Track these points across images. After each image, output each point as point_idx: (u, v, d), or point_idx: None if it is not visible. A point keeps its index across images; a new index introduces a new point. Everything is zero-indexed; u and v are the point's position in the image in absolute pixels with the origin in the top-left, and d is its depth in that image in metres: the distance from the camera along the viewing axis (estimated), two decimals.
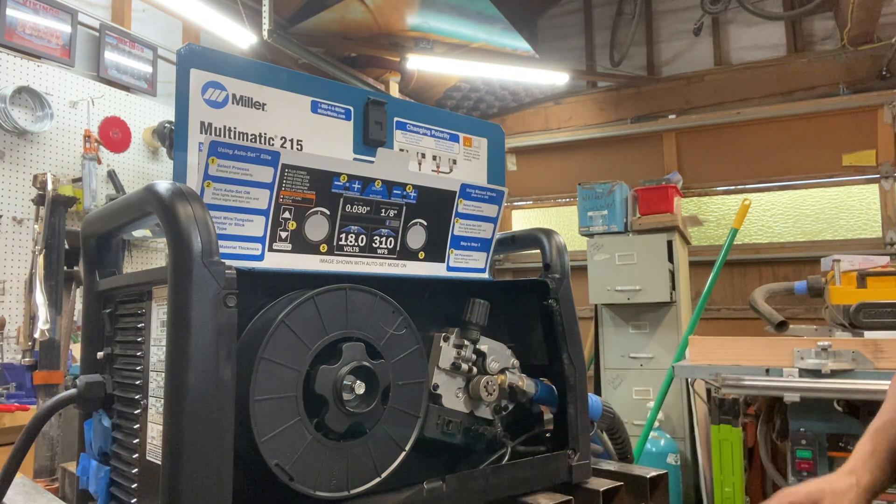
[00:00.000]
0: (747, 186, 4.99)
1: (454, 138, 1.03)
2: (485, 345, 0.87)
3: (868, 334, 2.31)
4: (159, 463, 0.62)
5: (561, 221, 5.57)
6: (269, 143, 0.83)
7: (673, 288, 3.72)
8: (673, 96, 5.24)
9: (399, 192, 0.85)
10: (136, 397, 0.70)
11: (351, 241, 0.83)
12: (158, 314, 0.68)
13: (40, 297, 1.67)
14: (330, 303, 0.71)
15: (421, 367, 0.79)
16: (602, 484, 0.88)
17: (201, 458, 0.59)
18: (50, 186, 1.75)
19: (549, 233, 0.99)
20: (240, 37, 3.73)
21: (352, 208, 0.81)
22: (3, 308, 2.91)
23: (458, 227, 0.93)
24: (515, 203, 5.78)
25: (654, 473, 0.91)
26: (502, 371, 0.87)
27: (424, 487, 0.75)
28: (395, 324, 0.77)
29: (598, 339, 3.93)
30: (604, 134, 5.43)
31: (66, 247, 1.75)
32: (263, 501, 0.69)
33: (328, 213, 0.80)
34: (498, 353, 0.87)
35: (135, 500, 0.69)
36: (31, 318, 1.68)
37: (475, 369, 0.85)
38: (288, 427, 0.67)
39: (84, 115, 3.30)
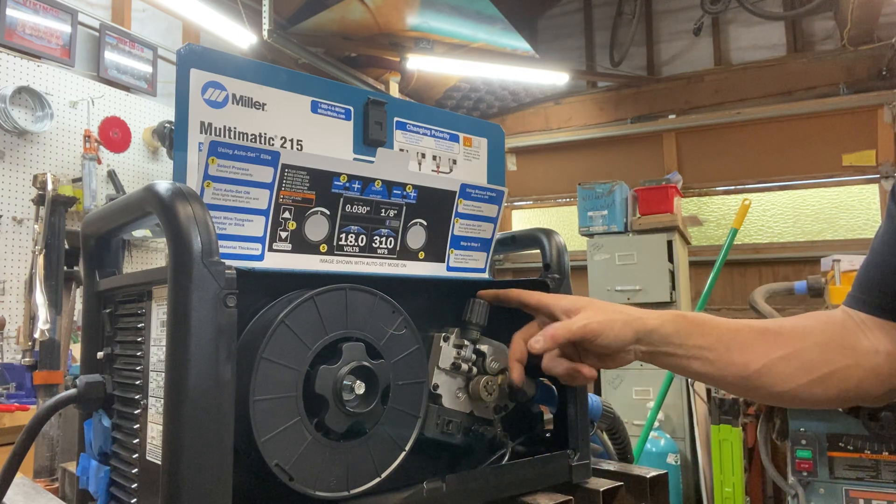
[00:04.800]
0: (747, 186, 4.99)
1: (454, 138, 1.03)
2: (485, 345, 0.87)
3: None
4: (159, 463, 0.62)
5: (561, 221, 5.57)
6: (269, 143, 0.83)
7: (673, 288, 3.72)
8: (673, 96, 5.24)
9: (399, 192, 0.85)
10: (136, 397, 0.70)
11: (351, 241, 0.83)
12: (158, 314, 0.68)
13: (40, 297, 1.67)
14: (330, 303, 0.71)
15: (421, 367, 0.79)
16: (602, 484, 0.88)
17: (201, 458, 0.59)
18: (50, 186, 1.75)
19: (549, 233, 0.99)
20: (240, 37, 3.73)
21: (352, 208, 0.81)
22: (3, 308, 2.91)
23: (458, 227, 0.93)
24: (515, 203, 5.78)
25: (654, 473, 0.91)
26: (502, 371, 0.87)
27: (424, 487, 0.75)
28: (395, 324, 0.77)
29: None
30: (604, 134, 5.43)
31: (66, 247, 1.75)
32: (263, 501, 0.69)
33: (328, 213, 0.80)
34: (498, 353, 0.87)
35: (135, 500, 0.69)
36: (31, 318, 1.68)
37: (475, 369, 0.85)
38: (288, 427, 0.67)
39: (84, 115, 3.30)
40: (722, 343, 0.80)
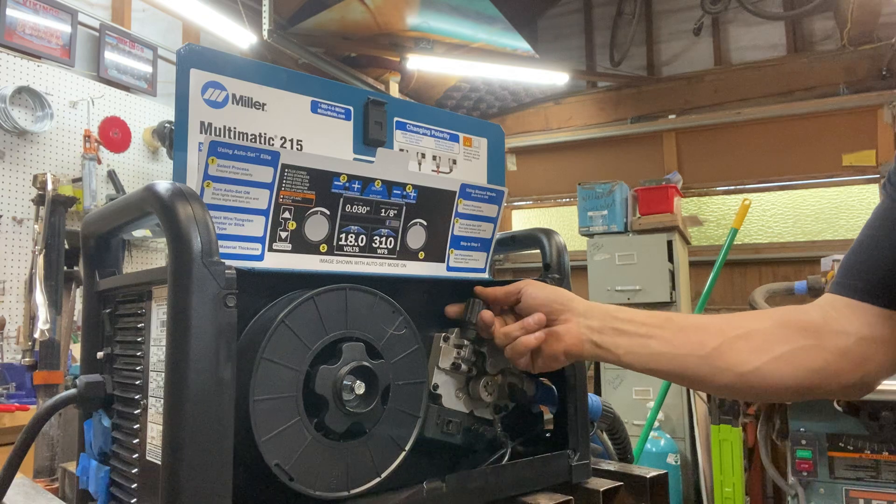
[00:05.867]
0: (747, 186, 4.99)
1: (454, 138, 1.03)
2: (485, 345, 0.87)
3: None
4: (159, 463, 0.62)
5: (561, 221, 5.57)
6: (269, 143, 0.83)
7: (673, 288, 3.72)
8: (673, 96, 5.24)
9: (399, 192, 0.85)
10: (136, 397, 0.70)
11: (351, 241, 0.83)
12: (158, 314, 0.68)
13: (40, 297, 1.67)
14: (330, 303, 0.71)
15: (421, 367, 0.79)
16: (602, 484, 0.88)
17: (201, 458, 0.59)
18: (50, 186, 1.75)
19: (549, 233, 0.99)
20: (240, 37, 3.73)
21: (352, 208, 0.81)
22: (3, 308, 2.91)
23: (458, 227, 0.93)
24: (515, 203, 5.78)
25: (654, 473, 0.91)
26: (502, 371, 0.87)
27: (424, 487, 0.75)
28: (395, 324, 0.77)
29: None
30: (604, 134, 5.42)
31: (66, 247, 1.75)
32: (263, 501, 0.69)
33: (328, 213, 0.80)
34: (498, 353, 0.87)
35: (135, 500, 0.69)
36: (31, 318, 1.69)
37: (475, 369, 0.85)
38: (288, 427, 0.67)
39: (84, 115, 3.30)
40: (672, 322, 0.79)
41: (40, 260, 1.69)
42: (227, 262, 0.63)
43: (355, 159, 0.91)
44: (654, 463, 3.33)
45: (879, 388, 0.80)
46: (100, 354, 0.79)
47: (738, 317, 0.81)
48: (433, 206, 0.89)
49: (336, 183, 0.79)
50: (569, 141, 5.55)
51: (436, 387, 0.82)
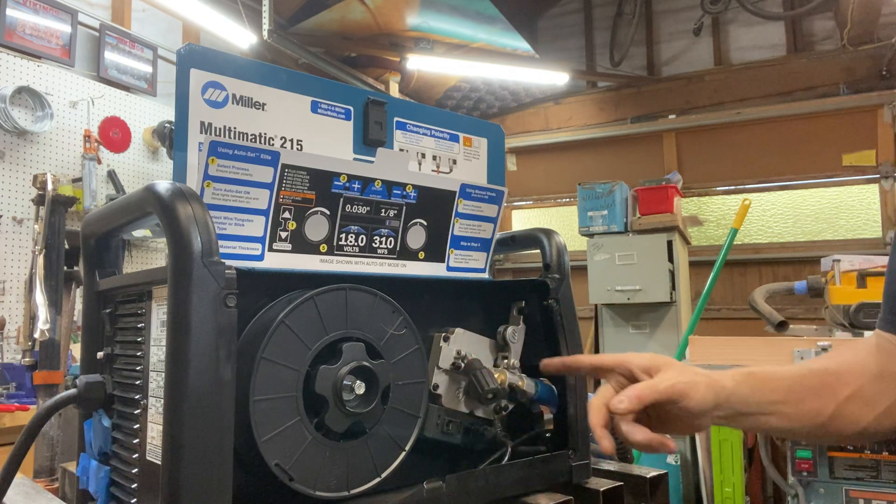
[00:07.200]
0: (747, 186, 4.99)
1: (454, 138, 1.03)
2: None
3: (868, 334, 2.31)
4: (159, 463, 0.62)
5: (561, 221, 5.57)
6: (269, 143, 0.83)
7: (673, 288, 3.72)
8: (673, 96, 5.24)
9: (399, 192, 0.85)
10: (136, 397, 0.70)
11: (351, 241, 0.83)
12: (158, 314, 0.68)
13: (40, 297, 1.67)
14: (330, 303, 0.71)
15: (421, 367, 0.79)
16: (602, 484, 0.88)
17: (201, 458, 0.59)
18: (50, 186, 1.75)
19: (549, 233, 0.99)
20: (240, 37, 3.73)
21: (352, 208, 0.81)
22: (3, 308, 2.91)
23: (458, 227, 0.93)
24: (515, 203, 5.78)
25: (654, 473, 0.91)
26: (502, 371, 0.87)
27: (424, 487, 0.75)
28: (395, 324, 0.77)
29: (598, 339, 3.93)
30: (604, 134, 5.42)
31: (66, 247, 1.75)
32: (263, 501, 0.69)
33: (328, 213, 0.80)
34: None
35: (135, 500, 0.69)
36: (31, 318, 1.68)
37: None
38: (288, 427, 0.67)
39: (84, 115, 3.30)
40: (793, 394, 0.80)
41: (40, 260, 1.68)
42: (228, 262, 0.63)
43: (355, 159, 0.91)
44: (654, 463, 3.33)
45: None
46: (100, 354, 0.79)
47: (844, 367, 0.83)
48: (433, 206, 0.89)
49: (336, 183, 0.79)
50: (569, 141, 5.55)
51: (436, 387, 0.82)
